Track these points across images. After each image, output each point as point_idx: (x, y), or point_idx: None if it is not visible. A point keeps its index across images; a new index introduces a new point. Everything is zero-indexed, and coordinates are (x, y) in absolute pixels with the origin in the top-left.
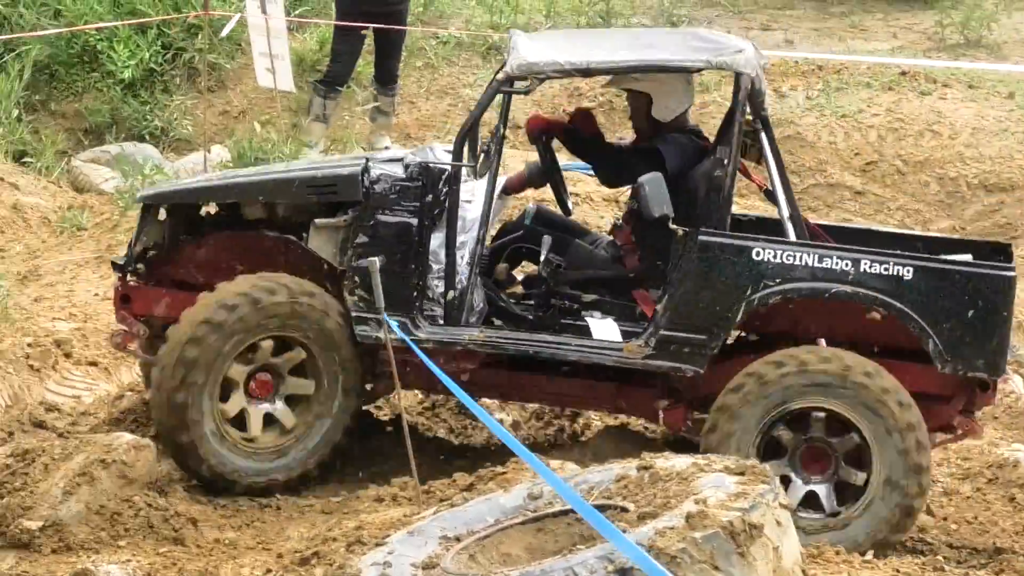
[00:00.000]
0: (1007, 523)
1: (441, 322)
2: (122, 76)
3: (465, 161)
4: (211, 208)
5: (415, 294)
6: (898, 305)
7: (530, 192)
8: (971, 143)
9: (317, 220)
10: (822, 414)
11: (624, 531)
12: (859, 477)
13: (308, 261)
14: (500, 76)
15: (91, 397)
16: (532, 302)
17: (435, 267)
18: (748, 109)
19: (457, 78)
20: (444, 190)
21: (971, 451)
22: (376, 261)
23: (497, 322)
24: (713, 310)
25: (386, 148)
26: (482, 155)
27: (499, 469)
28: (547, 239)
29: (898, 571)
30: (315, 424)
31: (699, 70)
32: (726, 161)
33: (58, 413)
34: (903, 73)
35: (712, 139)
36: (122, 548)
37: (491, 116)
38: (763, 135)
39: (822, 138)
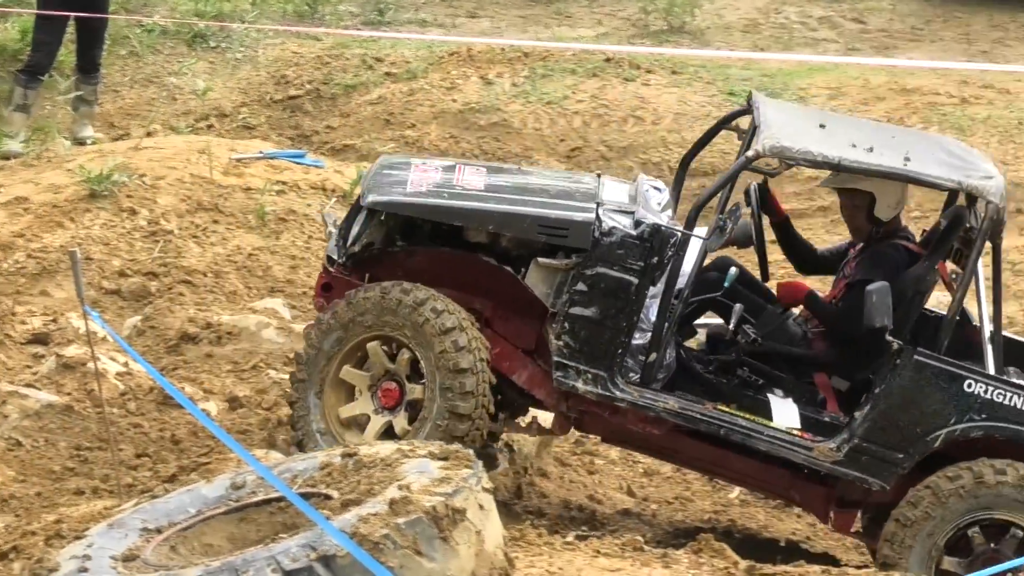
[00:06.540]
0: (705, 502)
1: (635, 380)
2: None
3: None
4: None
5: (620, 351)
6: None
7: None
8: (674, 128)
9: (540, 258)
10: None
11: (328, 518)
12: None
13: (518, 294)
14: (750, 154)
15: None
16: (714, 366)
17: (645, 329)
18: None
19: (162, 67)
20: (669, 255)
21: None
22: None
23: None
24: (913, 431)
25: (89, 138)
26: (717, 230)
27: (202, 460)
28: (739, 306)
29: (599, 552)
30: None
31: (950, 190)
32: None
33: None
34: (608, 59)
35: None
36: None
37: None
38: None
39: (528, 124)
